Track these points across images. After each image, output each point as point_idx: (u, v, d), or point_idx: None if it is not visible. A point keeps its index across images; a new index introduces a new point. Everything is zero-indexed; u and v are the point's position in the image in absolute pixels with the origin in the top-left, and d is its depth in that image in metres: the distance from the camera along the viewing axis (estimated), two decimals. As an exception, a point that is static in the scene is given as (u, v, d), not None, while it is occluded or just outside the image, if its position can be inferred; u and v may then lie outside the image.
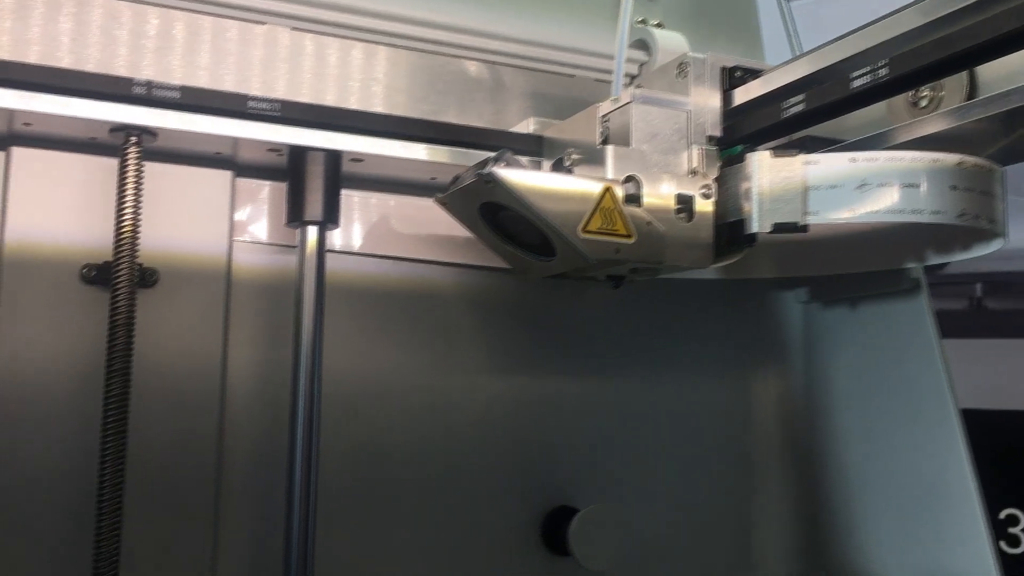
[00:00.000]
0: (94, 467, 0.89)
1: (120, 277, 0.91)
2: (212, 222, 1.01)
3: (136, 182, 0.93)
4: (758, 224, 0.93)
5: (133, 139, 0.92)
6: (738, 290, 1.24)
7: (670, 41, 1.21)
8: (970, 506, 1.03)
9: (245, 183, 1.04)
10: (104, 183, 0.95)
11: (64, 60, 0.98)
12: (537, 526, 1.13)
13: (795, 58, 0.98)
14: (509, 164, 0.92)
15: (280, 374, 1.00)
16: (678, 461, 1.19)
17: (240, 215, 1.04)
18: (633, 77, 1.21)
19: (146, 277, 0.97)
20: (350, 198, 1.06)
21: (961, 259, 1.03)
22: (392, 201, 1.09)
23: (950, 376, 1.07)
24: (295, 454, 0.95)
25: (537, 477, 1.14)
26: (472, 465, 1.11)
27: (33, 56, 0.97)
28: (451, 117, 1.13)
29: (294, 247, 1.00)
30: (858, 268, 1.11)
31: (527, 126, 1.10)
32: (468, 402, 1.12)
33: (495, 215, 0.97)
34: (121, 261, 0.91)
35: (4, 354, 0.92)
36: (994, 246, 0.99)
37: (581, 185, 0.91)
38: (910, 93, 1.01)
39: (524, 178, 0.89)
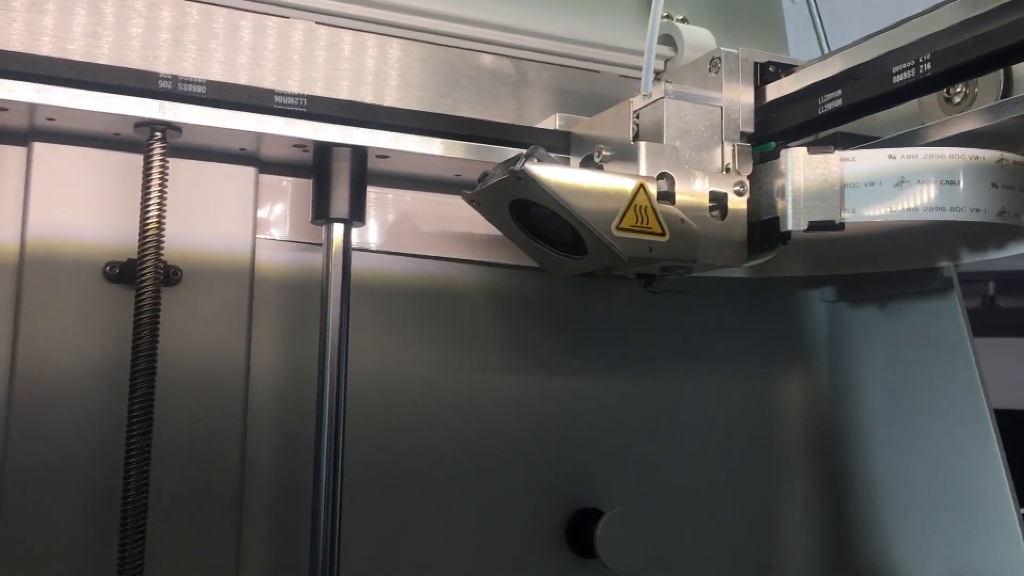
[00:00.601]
0: (119, 465, 0.87)
1: (145, 275, 0.90)
2: (236, 219, 0.99)
3: (161, 179, 0.91)
4: (793, 222, 0.91)
5: (158, 135, 0.91)
6: (763, 289, 1.23)
7: (697, 36, 1.19)
8: (1005, 507, 1.01)
9: (269, 179, 1.02)
10: (127, 180, 0.94)
11: (77, 54, 0.96)
12: (562, 527, 1.12)
13: (830, 54, 0.97)
14: (541, 160, 0.90)
15: (304, 372, 0.99)
16: (703, 462, 1.18)
17: (264, 212, 1.02)
18: (658, 73, 1.19)
19: (170, 275, 0.95)
20: (375, 195, 1.05)
21: (996, 258, 1.02)
22: (418, 198, 1.08)
23: (983, 376, 1.05)
24: (321, 452, 0.94)
25: (562, 478, 1.12)
26: (497, 465, 1.10)
27: (46, 49, 0.95)
28: (474, 113, 1.12)
29: (318, 244, 0.98)
30: (890, 267, 1.10)
31: (553, 122, 1.08)
32: (493, 401, 1.10)
33: (525, 212, 0.95)
34: (146, 259, 0.90)
35: (29, 352, 0.90)
36: (1032, 244, 0.98)
37: (614, 182, 0.89)
38: (944, 90, 0.99)
39: (557, 175, 0.88)
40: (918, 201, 0.88)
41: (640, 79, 0.98)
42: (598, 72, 1.20)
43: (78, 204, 0.94)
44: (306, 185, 1.00)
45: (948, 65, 0.81)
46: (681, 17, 1.25)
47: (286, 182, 1.03)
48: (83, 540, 0.90)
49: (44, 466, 0.90)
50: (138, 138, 0.91)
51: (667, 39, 1.21)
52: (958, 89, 0.99)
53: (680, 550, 1.16)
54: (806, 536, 1.23)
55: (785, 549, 1.22)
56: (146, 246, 0.90)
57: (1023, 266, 2.63)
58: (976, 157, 0.88)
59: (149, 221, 0.90)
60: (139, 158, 0.91)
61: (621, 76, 1.20)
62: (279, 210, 1.03)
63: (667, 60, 1.21)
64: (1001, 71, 0.94)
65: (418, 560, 1.05)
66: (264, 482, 0.99)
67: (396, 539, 1.04)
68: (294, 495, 0.99)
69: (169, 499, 0.92)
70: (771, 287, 1.23)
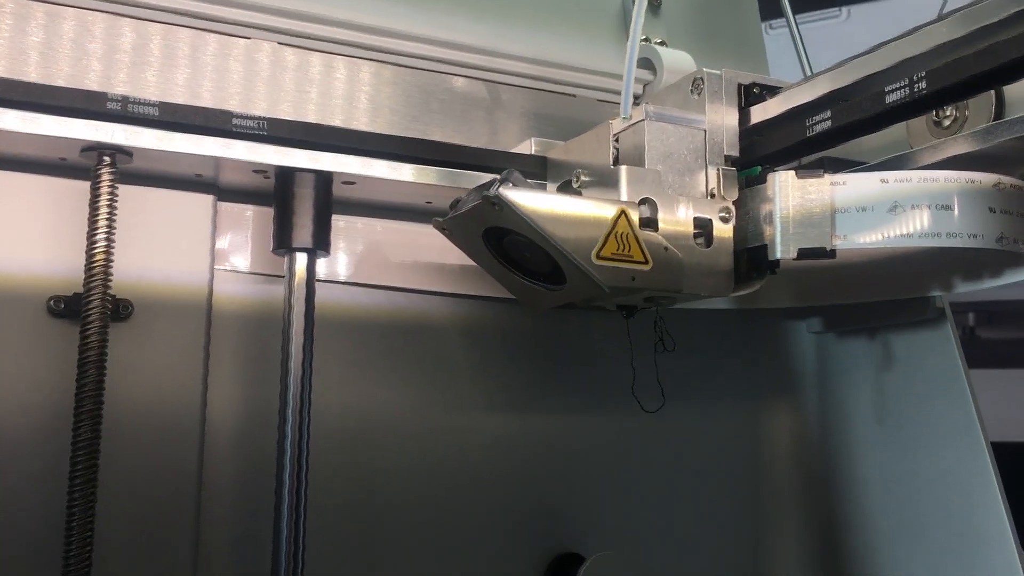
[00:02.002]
0: (63, 516, 0.81)
1: (91, 310, 0.83)
2: (192, 250, 0.93)
3: (109, 207, 0.85)
4: (782, 249, 0.87)
5: (107, 159, 0.85)
6: (747, 320, 1.19)
7: (676, 60, 1.15)
8: (1005, 545, 0.96)
9: (228, 207, 0.97)
10: (74, 208, 0.88)
11: (32, 75, 0.91)
12: (541, 573, 1.05)
13: (817, 74, 0.92)
14: (516, 185, 0.85)
15: (264, 410, 0.93)
16: (689, 502, 1.13)
17: (222, 242, 0.96)
18: (637, 98, 1.15)
19: (119, 309, 0.89)
20: (343, 223, 0.99)
21: (991, 286, 0.98)
22: (387, 227, 1.02)
23: (979, 409, 1.01)
24: (283, 494, 0.88)
25: (540, 521, 1.07)
26: (471, 508, 1.04)
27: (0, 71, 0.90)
28: (446, 137, 1.07)
29: (280, 276, 0.93)
30: (882, 296, 1.05)
31: (529, 147, 1.04)
32: (466, 441, 1.04)
33: (499, 241, 0.90)
34: (92, 292, 0.84)
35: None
36: (1030, 270, 0.94)
37: (594, 208, 0.84)
38: (933, 113, 0.96)
39: (533, 200, 0.83)
40: (912, 227, 0.84)
41: (619, 103, 0.93)
42: (575, 96, 1.16)
43: (22, 234, 0.88)
44: (267, 213, 0.94)
45: (945, 83, 0.77)
46: (660, 40, 1.21)
47: (247, 211, 0.98)
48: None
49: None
50: (86, 163, 0.85)
51: (646, 63, 1.17)
52: (948, 112, 0.95)
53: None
54: (796, 579, 1.18)
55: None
56: (93, 278, 0.84)
57: (1004, 296, 2.61)
58: (972, 181, 0.84)
59: (96, 252, 0.84)
60: (87, 185, 0.85)
61: (599, 100, 1.16)
62: (239, 240, 0.97)
63: (646, 84, 1.17)
64: (992, 93, 0.90)
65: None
66: (222, 530, 0.92)
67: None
68: (255, 542, 0.92)
69: (117, 553, 0.85)
70: (755, 318, 1.19)
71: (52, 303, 0.87)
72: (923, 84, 0.78)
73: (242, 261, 0.97)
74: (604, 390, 1.11)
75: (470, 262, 0.96)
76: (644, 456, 1.11)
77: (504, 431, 1.06)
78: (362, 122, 1.04)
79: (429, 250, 1.03)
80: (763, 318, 1.20)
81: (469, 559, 1.03)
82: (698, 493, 1.13)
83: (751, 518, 1.17)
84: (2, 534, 0.83)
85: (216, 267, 0.95)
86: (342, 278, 1.00)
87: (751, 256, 0.90)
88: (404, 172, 0.94)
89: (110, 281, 0.85)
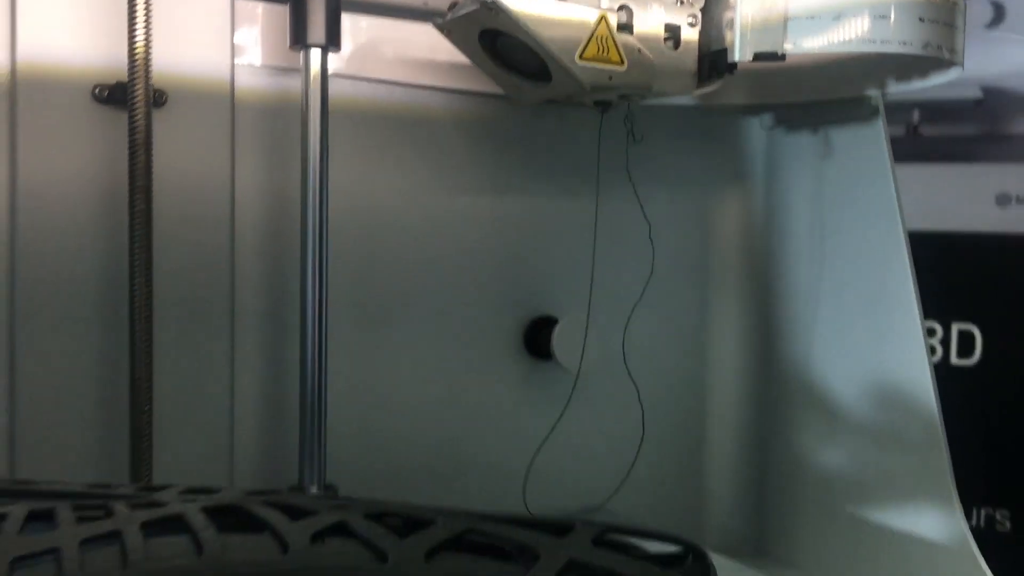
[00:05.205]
0: (121, 275, 0.96)
1: (137, 97, 0.95)
2: (214, 45, 1.04)
3: (146, 1, 0.95)
4: (740, 53, 1.00)
5: (140, -42, 0.94)
6: (706, 116, 1.32)
7: None
8: (910, 315, 1.14)
9: (244, 5, 1.06)
10: (109, 3, 0.97)
11: None
12: (521, 333, 1.23)
13: None
14: (510, -9, 0.96)
15: (286, 193, 1.06)
16: (646, 271, 1.28)
17: (241, 38, 1.06)
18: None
19: (156, 97, 1.00)
20: (349, 22, 1.09)
21: (919, 87, 1.12)
22: (389, 25, 1.12)
23: (900, 199, 1.17)
24: (306, 269, 1.02)
25: (520, 290, 1.23)
26: (462, 279, 1.20)
27: None
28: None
29: (296, 70, 1.04)
30: (825, 95, 1.19)
31: (515, -48, 1.13)
32: (459, 220, 1.19)
33: (493, 42, 1.02)
34: (136, 81, 0.95)
35: (27, 173, 0.96)
36: (951, 75, 1.09)
37: (578, 13, 0.96)
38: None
39: (526, 5, 0.94)
40: (853, 34, 0.97)
41: (599, -89, 1.02)
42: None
43: (63, 27, 0.97)
44: (282, 11, 1.04)
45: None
46: None
47: (261, 7, 1.07)
48: (97, 344, 0.99)
49: (53, 276, 0.97)
50: (121, -38, 0.94)
51: None
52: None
53: (625, 352, 1.28)
54: (735, 341, 1.37)
55: (715, 349, 1.37)
56: (136, 69, 0.95)
57: (946, 95, 2.74)
58: (907, -6, 0.97)
59: (137, 44, 0.95)
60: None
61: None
62: (256, 36, 1.07)
63: None
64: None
65: (393, 365, 1.16)
66: (253, 296, 1.07)
67: (372, 347, 1.15)
68: (281, 304, 1.08)
69: (169, 308, 1.01)
70: (714, 114, 1.32)
71: (96, 91, 0.98)
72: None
73: (260, 56, 1.07)
74: (578, 177, 1.24)
75: (465, 60, 1.07)
76: (611, 234, 1.26)
77: (490, 212, 1.21)
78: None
79: (429, 48, 1.13)
80: (721, 115, 1.33)
81: (462, 320, 1.20)
82: (657, 266, 1.29)
83: (700, 288, 1.35)
84: (72, 299, 0.98)
85: (236, 61, 1.05)
86: (349, 73, 1.11)
87: (713, 58, 1.03)
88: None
89: (151, 71, 0.96)
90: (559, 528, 0.72)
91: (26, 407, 0.96)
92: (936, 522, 1.10)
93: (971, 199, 2.47)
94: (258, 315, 1.08)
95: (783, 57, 0.99)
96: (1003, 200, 2.49)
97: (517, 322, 1.23)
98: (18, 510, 0.61)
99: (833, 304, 1.26)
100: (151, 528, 0.61)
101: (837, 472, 1.23)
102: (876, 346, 1.18)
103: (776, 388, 1.33)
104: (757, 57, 0.99)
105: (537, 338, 1.22)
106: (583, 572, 0.69)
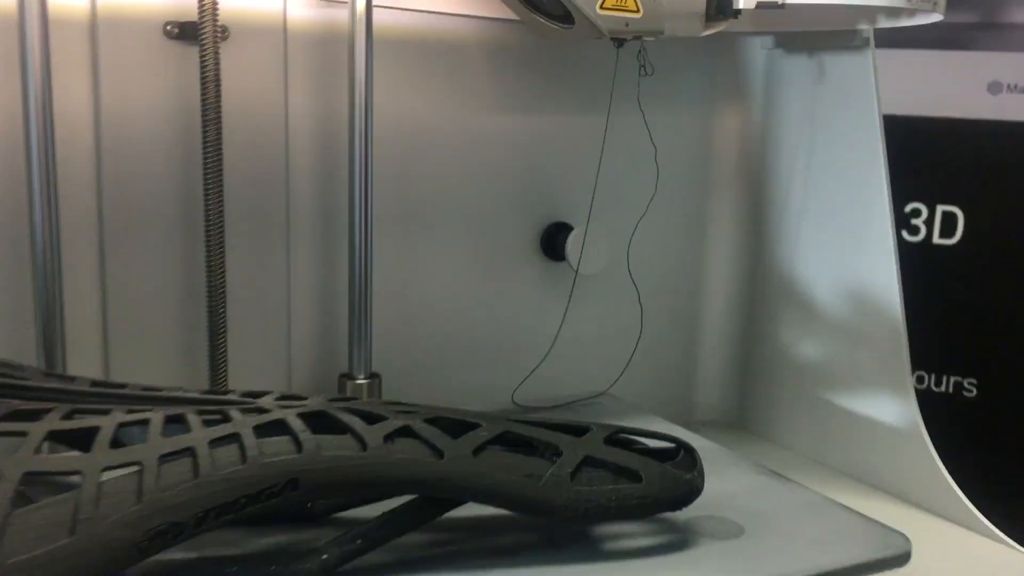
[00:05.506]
0: (195, 190, 1.11)
1: (205, 33, 1.07)
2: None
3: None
4: (744, 0, 1.11)
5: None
6: (711, 40, 1.42)
7: None
8: (883, 229, 1.29)
9: (293, -59, 1.16)
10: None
11: None
12: (538, 238, 1.39)
13: None
14: (540, -56, 1.07)
15: (334, 116, 1.19)
16: (652, 182, 1.43)
17: (289, -29, 1.17)
18: None
19: (222, 33, 1.12)
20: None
21: (906, 23, 1.24)
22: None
23: (883, 125, 1.29)
24: (353, 183, 1.16)
25: (538, 199, 1.38)
26: (488, 189, 1.34)
27: None
28: None
29: (343, 2, 1.15)
30: (821, 27, 1.30)
31: None
32: (486, 138, 1.32)
33: (523, -14, 1.13)
34: (205, 17, 1.06)
35: (108, 104, 1.09)
36: (934, 18, 1.20)
37: (600, -35, 1.07)
38: None
39: (554, -42, 1.05)
40: (847, -13, 1.09)
41: None
42: None
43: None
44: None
45: None
46: None
47: (308, -58, 1.17)
48: (177, 255, 1.14)
49: (136, 196, 1.11)
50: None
51: None
52: None
53: (629, 258, 1.44)
54: (728, 242, 1.53)
55: (711, 253, 1.53)
56: (204, 7, 1.06)
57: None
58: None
59: (206, -19, 1.06)
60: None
61: None
62: (304, -31, 1.18)
63: None
64: None
65: (427, 266, 1.31)
66: (306, 210, 1.22)
67: (410, 249, 1.30)
68: (331, 216, 1.23)
69: (237, 219, 1.15)
70: (718, 39, 1.42)
71: (168, 27, 1.10)
72: None
73: (309, -11, 1.18)
74: (592, 102, 1.36)
75: (497, -5, 1.18)
76: (620, 148, 1.39)
77: (514, 130, 1.33)
78: None
79: (458, -21, 1.24)
80: (724, 38, 1.44)
81: (487, 226, 1.34)
82: (662, 177, 1.43)
83: (700, 200, 1.50)
84: (153, 216, 1.12)
85: (288, -7, 1.16)
86: (390, 4, 1.22)
87: (719, 3, 1.14)
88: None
89: (218, 9, 1.07)
90: (578, 430, 0.89)
91: (116, 310, 1.12)
92: (893, 410, 1.27)
93: (964, 86, 2.54)
94: (311, 226, 1.23)
95: (783, 6, 1.10)
96: (995, 88, 2.57)
97: (535, 228, 1.38)
98: (156, 416, 0.77)
99: (817, 214, 1.40)
100: (261, 430, 0.78)
101: (812, 362, 1.41)
102: (851, 253, 1.33)
103: (763, 288, 1.49)
104: (760, 5, 1.11)
105: (553, 242, 1.38)
106: (596, 464, 0.87)
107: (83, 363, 1.09)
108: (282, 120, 1.18)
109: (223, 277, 1.11)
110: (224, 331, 1.12)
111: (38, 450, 0.72)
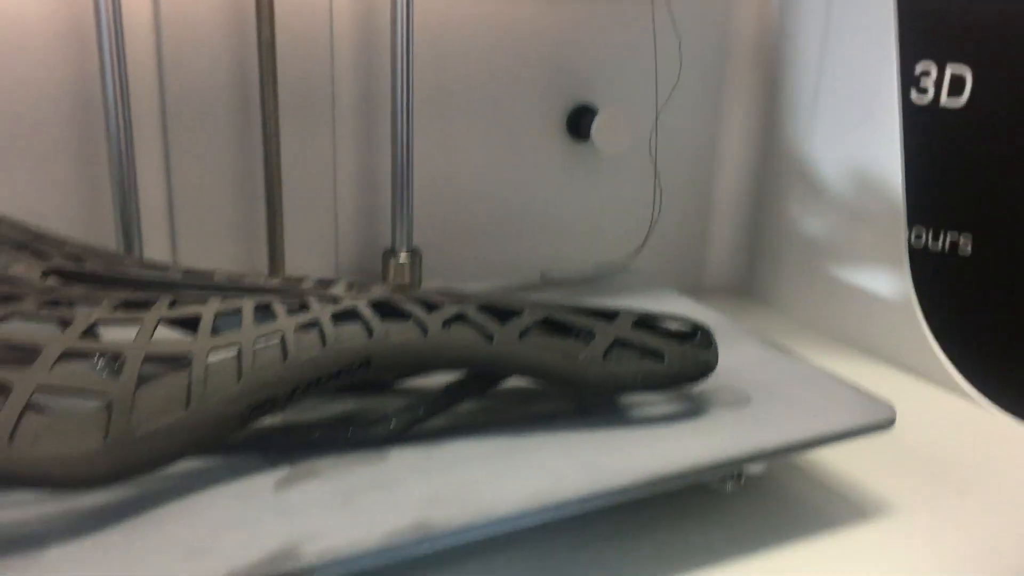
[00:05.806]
0: (251, 87, 1.19)
1: (257, -63, 1.12)
2: None
3: None
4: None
5: None
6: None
7: None
8: (890, 117, 1.36)
9: None
10: None
11: None
12: (564, 119, 1.47)
13: None
14: None
15: (375, 9, 1.26)
16: (675, 69, 1.49)
17: None
18: None
19: (269, -70, 1.17)
20: None
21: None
22: None
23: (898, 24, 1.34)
24: (395, 71, 1.23)
25: (564, 82, 1.45)
26: (519, 74, 1.41)
27: None
28: None
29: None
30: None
31: None
32: (516, 25, 1.38)
33: None
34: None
35: (168, 10, 1.15)
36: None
37: None
38: None
39: None
40: None
41: None
42: None
43: None
44: None
45: None
46: None
47: None
48: (234, 139, 1.23)
49: (196, 86, 1.19)
50: None
51: None
52: None
53: (654, 137, 1.52)
54: (744, 122, 1.60)
55: (726, 134, 1.61)
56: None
57: None
58: None
59: None
60: None
61: None
62: None
63: None
64: None
65: (463, 148, 1.40)
66: (350, 97, 1.30)
67: (445, 132, 1.38)
68: (373, 103, 1.31)
69: (287, 107, 1.24)
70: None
71: (222, -73, 1.16)
72: None
73: None
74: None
75: None
76: (645, 34, 1.45)
77: (541, 17, 1.39)
78: None
79: None
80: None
81: (517, 106, 1.42)
82: (684, 59, 1.49)
83: (718, 86, 1.56)
84: (212, 105, 1.20)
85: None
86: None
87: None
88: None
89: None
90: (609, 315, 1.00)
91: (180, 195, 1.22)
92: (888, 284, 1.39)
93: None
94: (355, 112, 1.31)
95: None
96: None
97: (562, 110, 1.46)
98: (247, 305, 0.88)
99: (830, 99, 1.47)
100: (336, 318, 0.89)
101: (816, 236, 1.51)
102: (859, 136, 1.41)
103: (775, 165, 1.58)
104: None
105: (578, 124, 1.46)
106: (625, 345, 0.98)
107: (155, 244, 1.20)
108: (327, 14, 1.24)
109: (278, 159, 1.21)
110: (280, 213, 1.23)
111: (151, 335, 0.83)
